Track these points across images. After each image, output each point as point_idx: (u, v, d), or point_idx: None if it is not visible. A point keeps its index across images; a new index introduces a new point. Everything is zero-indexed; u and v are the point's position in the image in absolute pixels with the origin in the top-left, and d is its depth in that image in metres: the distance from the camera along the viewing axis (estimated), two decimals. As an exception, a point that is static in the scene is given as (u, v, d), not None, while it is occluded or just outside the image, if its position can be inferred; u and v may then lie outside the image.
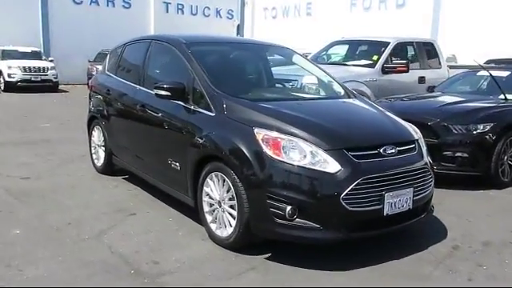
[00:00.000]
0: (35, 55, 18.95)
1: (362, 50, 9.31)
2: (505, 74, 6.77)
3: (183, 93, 4.04)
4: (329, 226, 3.25)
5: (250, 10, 27.01)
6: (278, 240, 3.47)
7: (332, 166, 3.24)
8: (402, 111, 5.16)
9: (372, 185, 3.29)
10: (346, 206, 3.20)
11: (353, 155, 3.32)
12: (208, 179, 3.75)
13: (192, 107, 3.98)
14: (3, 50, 18.40)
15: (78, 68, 20.69)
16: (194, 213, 4.07)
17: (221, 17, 27.31)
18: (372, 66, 8.23)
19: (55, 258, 3.43)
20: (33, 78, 17.68)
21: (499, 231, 4.22)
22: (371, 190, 3.29)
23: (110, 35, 21.73)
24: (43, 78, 17.93)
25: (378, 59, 8.26)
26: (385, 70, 8.14)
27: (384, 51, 8.37)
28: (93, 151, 5.95)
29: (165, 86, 4.05)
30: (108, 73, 5.76)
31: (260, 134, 3.40)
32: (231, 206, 3.56)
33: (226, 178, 3.54)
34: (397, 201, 3.41)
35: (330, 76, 4.91)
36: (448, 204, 4.84)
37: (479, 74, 7.25)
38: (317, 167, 3.24)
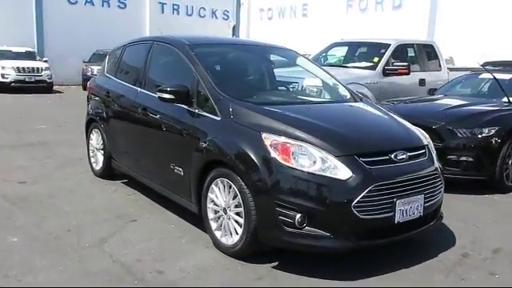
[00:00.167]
0: (29, 55, 18.74)
1: (361, 51, 9.25)
2: (508, 76, 6.72)
3: (187, 96, 3.93)
4: (339, 235, 3.15)
5: (246, 10, 26.93)
6: (285, 248, 3.38)
7: (343, 172, 3.15)
8: (405, 114, 5.04)
9: (383, 192, 3.20)
10: (358, 214, 3.11)
11: (364, 161, 3.22)
12: (213, 185, 3.64)
13: (196, 111, 3.88)
14: (-3, 51, 18.20)
15: (73, 69, 20.49)
16: (197, 219, 3.97)
17: (216, 17, 27.19)
18: (373, 68, 8.16)
19: (55, 267, 3.31)
20: (27, 79, 17.49)
21: (508, 238, 4.15)
22: (383, 198, 3.20)
23: (105, 35, 21.63)
24: (37, 78, 17.73)
25: (379, 61, 8.19)
26: (386, 72, 8.07)
27: (385, 53, 8.30)
28: (91, 155, 5.82)
29: (168, 89, 3.94)
30: (107, 74, 5.64)
31: (268, 139, 3.30)
32: (237, 214, 3.45)
33: (233, 185, 3.43)
34: (408, 208, 3.32)
35: (335, 78, 4.82)
36: (453, 209, 4.75)
37: (481, 76, 7.19)
38: (327, 174, 3.14)
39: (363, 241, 3.25)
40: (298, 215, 3.12)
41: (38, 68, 17.79)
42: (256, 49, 5.02)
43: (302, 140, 3.27)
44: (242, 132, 3.49)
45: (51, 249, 3.62)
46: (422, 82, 8.65)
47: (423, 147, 3.69)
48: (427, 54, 9.19)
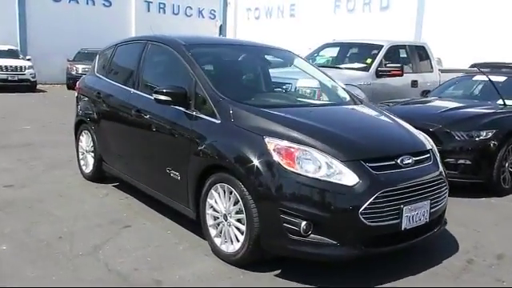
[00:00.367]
0: (12, 54, 18.28)
1: (353, 52, 9.18)
2: (501, 78, 6.70)
3: (184, 98, 3.79)
4: (345, 243, 3.05)
5: (233, 10, 26.72)
6: (288, 256, 3.27)
7: (349, 178, 3.04)
8: (401, 116, 4.96)
9: (390, 198, 3.11)
10: (365, 221, 3.01)
11: (370, 166, 3.13)
12: (212, 190, 3.51)
13: (194, 113, 3.74)
14: (-22, 49, 17.76)
15: (57, 67, 20.11)
16: (193, 224, 3.84)
17: (203, 17, 26.96)
18: (366, 69, 8.10)
19: (48, 277, 3.16)
20: (9, 78, 17.07)
21: (510, 242, 4.10)
22: (389, 204, 3.10)
23: (89, 34, 21.31)
24: (20, 77, 17.33)
25: (372, 62, 8.12)
26: (379, 74, 8.01)
27: (377, 54, 8.24)
28: (80, 157, 5.63)
29: (164, 90, 3.79)
30: (98, 74, 5.46)
31: (271, 143, 3.18)
32: (238, 220, 3.33)
33: (234, 190, 3.31)
34: (414, 214, 3.23)
35: (334, 80, 4.73)
36: (453, 213, 4.67)
37: (475, 78, 7.17)
38: (333, 179, 3.04)
39: (370, 248, 3.14)
40: (304, 222, 3.01)
41: (21, 66, 17.39)
42: (253, 49, 4.89)
43: (307, 144, 3.16)
44: (243, 136, 3.36)
45: (43, 257, 3.46)
46: (414, 83, 8.62)
47: (428, 151, 3.62)
48: (419, 55, 9.17)
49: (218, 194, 3.47)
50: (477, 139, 5.34)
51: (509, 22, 14.98)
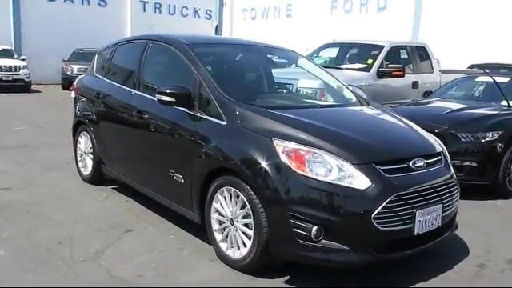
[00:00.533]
0: (6, 53, 18.05)
1: (353, 53, 9.10)
2: (505, 79, 6.63)
3: (188, 99, 3.68)
4: (357, 248, 2.95)
5: (229, 10, 26.59)
6: (297, 262, 3.17)
7: (361, 181, 2.95)
8: (406, 118, 4.92)
9: (403, 202, 3.02)
10: (377, 226, 2.92)
11: (383, 170, 3.03)
12: (218, 194, 3.40)
13: (198, 114, 3.63)
14: (-29, 49, 17.55)
15: (52, 67, 19.89)
16: (197, 228, 3.74)
17: (199, 17, 26.82)
18: (367, 69, 8.01)
19: (48, 284, 3.04)
20: (4, 78, 16.85)
21: (520, 246, 4.03)
22: (402, 208, 3.01)
23: (85, 34, 21.12)
24: (15, 77, 17.10)
25: (373, 63, 8.04)
26: (380, 74, 7.92)
27: (378, 55, 8.16)
28: (79, 159, 5.51)
29: (168, 91, 3.68)
30: (96, 74, 5.33)
31: (280, 145, 3.08)
32: (246, 225, 3.22)
33: (241, 194, 3.20)
34: (427, 218, 3.15)
35: (339, 81, 4.63)
36: (460, 216, 4.58)
37: (477, 79, 7.11)
38: (345, 183, 2.94)
39: (382, 254, 3.05)
40: (315, 227, 2.91)
41: (15, 66, 17.17)
42: (257, 49, 4.78)
43: (317, 147, 3.06)
44: (250, 137, 3.26)
45: (43, 263, 3.34)
46: (415, 84, 8.55)
47: (439, 154, 3.53)
48: (420, 56, 9.09)
49: (224, 197, 3.36)
50: (482, 141, 5.27)
51: (506, 22, 14.96)
